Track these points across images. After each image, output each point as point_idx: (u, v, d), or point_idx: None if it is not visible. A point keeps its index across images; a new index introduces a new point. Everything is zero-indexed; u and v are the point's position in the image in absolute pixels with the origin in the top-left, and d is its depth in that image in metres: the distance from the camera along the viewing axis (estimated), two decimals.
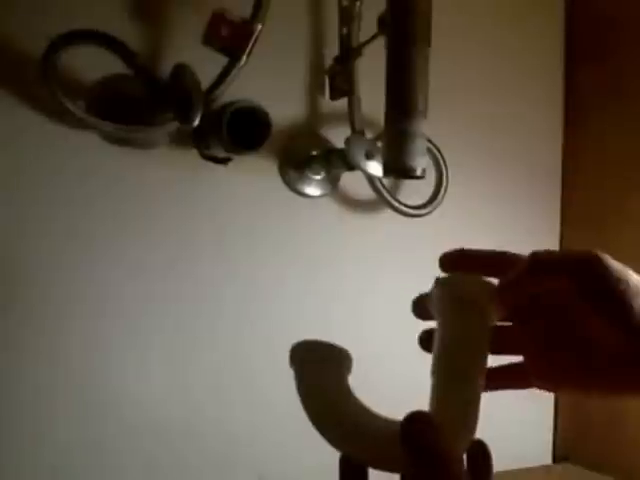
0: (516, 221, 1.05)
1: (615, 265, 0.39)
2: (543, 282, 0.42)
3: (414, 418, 0.38)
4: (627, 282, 0.38)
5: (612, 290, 0.38)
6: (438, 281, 0.44)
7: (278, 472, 0.86)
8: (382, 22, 0.72)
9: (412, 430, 0.37)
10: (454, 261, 0.46)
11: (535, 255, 0.41)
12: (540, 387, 0.45)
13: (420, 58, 0.65)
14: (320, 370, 0.43)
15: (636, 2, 1.02)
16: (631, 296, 0.38)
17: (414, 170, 0.66)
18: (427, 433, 0.37)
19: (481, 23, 1.02)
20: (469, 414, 0.40)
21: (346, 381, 0.43)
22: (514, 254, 0.44)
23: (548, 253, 0.41)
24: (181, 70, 0.72)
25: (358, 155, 0.80)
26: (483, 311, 0.43)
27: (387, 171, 0.68)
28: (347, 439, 0.40)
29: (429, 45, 0.66)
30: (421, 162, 0.67)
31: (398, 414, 0.38)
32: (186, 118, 0.71)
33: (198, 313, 0.82)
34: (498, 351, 0.46)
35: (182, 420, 0.81)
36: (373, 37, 0.75)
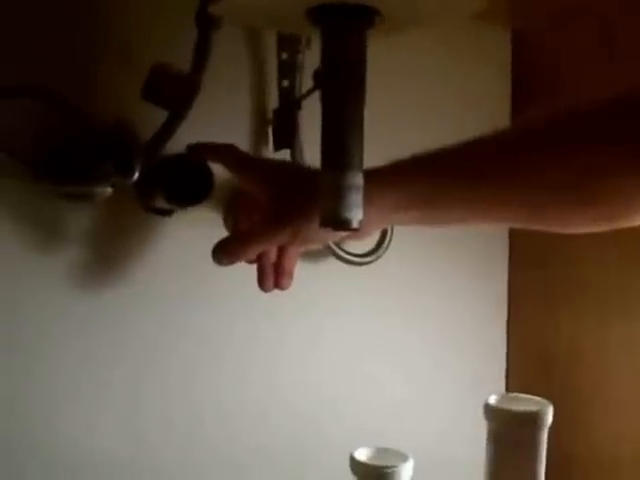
0: (464, 266, 1.06)
1: None
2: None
3: None
4: None
5: None
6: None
7: None
8: (317, 76, 0.74)
9: None
10: None
11: None
12: None
13: (356, 113, 0.66)
14: None
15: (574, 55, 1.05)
16: None
17: (350, 222, 0.67)
18: None
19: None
20: None
21: None
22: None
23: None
24: (121, 125, 0.73)
25: None
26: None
27: (323, 223, 0.69)
28: None
29: (364, 100, 0.67)
30: (357, 214, 0.68)
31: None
32: (125, 173, 0.72)
33: (148, 366, 0.82)
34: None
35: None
36: (309, 92, 0.77)
